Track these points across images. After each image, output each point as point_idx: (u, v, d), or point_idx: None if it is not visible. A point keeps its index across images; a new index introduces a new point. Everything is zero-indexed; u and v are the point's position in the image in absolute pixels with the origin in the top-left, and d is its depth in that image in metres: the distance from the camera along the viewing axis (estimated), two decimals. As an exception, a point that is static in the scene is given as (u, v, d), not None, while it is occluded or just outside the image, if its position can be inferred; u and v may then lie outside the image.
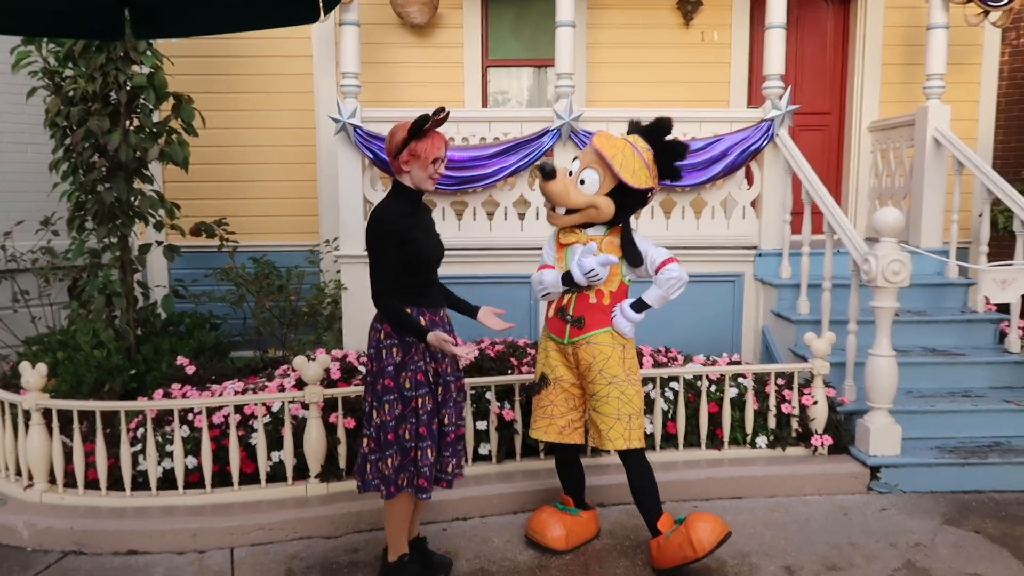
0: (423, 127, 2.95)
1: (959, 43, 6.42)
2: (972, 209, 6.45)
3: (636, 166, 3.24)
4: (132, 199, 4.97)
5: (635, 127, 3.42)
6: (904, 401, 4.52)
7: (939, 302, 5.40)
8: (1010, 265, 4.73)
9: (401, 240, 2.96)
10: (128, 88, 4.84)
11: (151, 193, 5.05)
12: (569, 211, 3.32)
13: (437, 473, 3.14)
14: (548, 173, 3.28)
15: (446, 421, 3.15)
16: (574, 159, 3.44)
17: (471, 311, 3.30)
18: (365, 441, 3.12)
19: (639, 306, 3.31)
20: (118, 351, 4.84)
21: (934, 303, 5.39)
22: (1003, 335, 5.13)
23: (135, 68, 4.82)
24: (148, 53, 4.87)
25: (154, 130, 5.00)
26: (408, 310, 3.01)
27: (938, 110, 5.54)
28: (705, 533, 3.22)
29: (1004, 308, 5.23)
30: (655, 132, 3.33)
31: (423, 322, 3.02)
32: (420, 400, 3.02)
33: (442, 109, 3.01)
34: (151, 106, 4.91)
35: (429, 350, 3.05)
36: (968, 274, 5.44)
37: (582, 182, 3.29)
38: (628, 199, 3.31)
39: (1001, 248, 6.35)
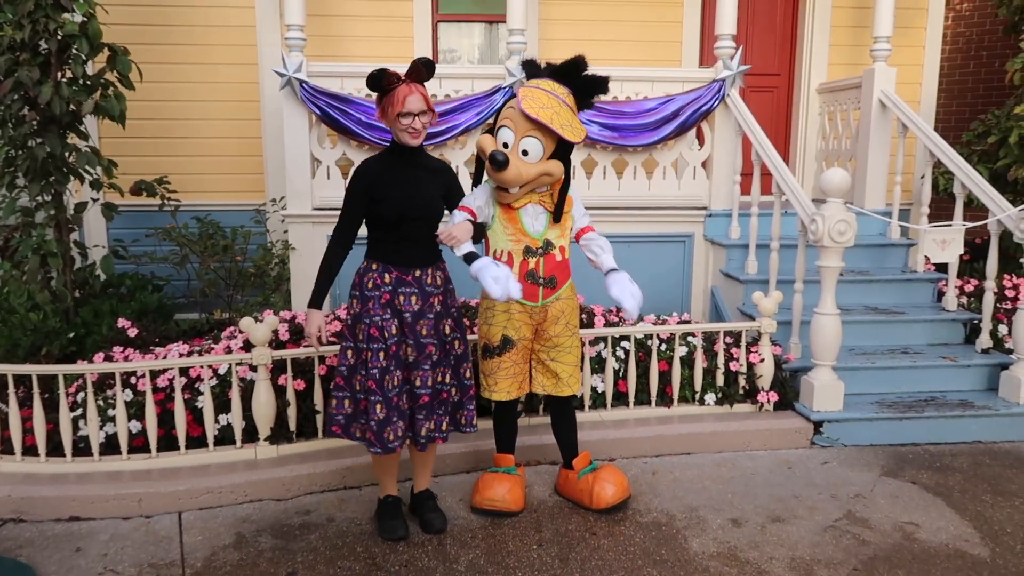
0: (379, 80, 2.98)
1: (906, 7, 6.51)
2: (915, 171, 6.59)
3: (570, 120, 3.14)
4: (66, 155, 4.75)
5: (545, 71, 3.26)
6: (847, 358, 4.65)
7: (881, 262, 5.53)
8: (949, 226, 4.86)
9: (367, 196, 3.04)
10: (59, 37, 4.59)
11: (86, 149, 4.84)
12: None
13: (415, 435, 3.16)
14: (502, 163, 3.08)
15: (418, 383, 3.12)
16: (500, 127, 3.19)
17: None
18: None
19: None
20: (55, 314, 4.66)
21: (876, 263, 5.53)
22: (941, 294, 5.29)
23: (66, 16, 4.57)
24: (80, 0, 4.63)
25: (88, 82, 4.77)
26: (374, 265, 3.10)
27: (884, 73, 5.62)
28: (607, 493, 3.50)
29: (942, 267, 5.39)
30: (570, 71, 3.19)
31: (387, 279, 3.08)
32: (370, 354, 3.04)
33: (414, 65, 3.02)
34: (84, 57, 4.68)
35: (392, 306, 3.07)
36: (909, 235, 5.57)
37: (524, 152, 3.14)
38: (566, 151, 3.23)
39: (941, 210, 6.54)
